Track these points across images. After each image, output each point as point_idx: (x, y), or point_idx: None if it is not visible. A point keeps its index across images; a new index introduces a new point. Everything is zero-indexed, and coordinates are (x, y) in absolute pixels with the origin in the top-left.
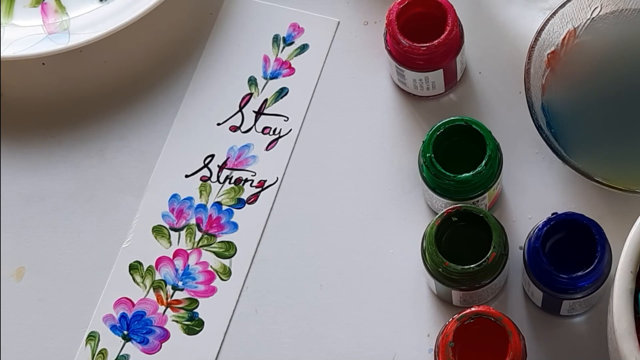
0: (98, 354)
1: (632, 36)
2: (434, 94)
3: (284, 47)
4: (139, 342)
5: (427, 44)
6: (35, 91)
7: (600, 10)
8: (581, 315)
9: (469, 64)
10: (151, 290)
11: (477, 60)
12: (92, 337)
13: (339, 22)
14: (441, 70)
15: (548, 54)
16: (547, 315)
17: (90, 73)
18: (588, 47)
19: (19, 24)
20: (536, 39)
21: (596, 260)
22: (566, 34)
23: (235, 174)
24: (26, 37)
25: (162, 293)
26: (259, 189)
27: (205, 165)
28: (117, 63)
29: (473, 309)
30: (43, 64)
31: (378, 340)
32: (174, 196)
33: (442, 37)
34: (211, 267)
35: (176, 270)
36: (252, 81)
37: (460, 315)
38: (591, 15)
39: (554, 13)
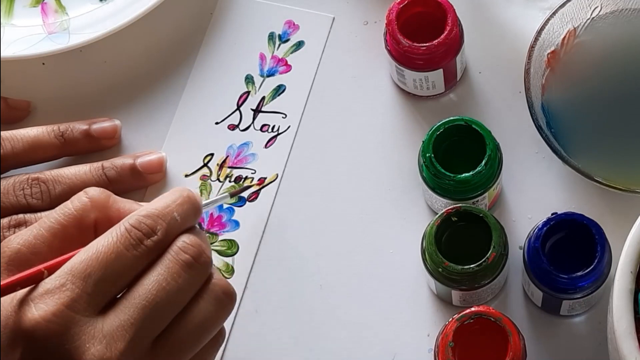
0: None
1: (632, 36)
2: (434, 93)
3: (279, 45)
4: None
5: (427, 44)
6: (35, 91)
7: (600, 10)
8: (581, 315)
9: (469, 63)
10: None
11: (477, 60)
12: None
13: (334, 18)
14: (441, 70)
15: (548, 54)
16: (547, 315)
17: (90, 73)
18: (588, 46)
19: (19, 24)
20: (536, 39)
21: (596, 260)
22: (566, 34)
23: (235, 172)
24: (26, 37)
25: None
26: (259, 187)
27: (205, 165)
28: (117, 63)
29: (473, 309)
30: (43, 63)
31: (378, 340)
32: None
33: (442, 37)
34: (214, 265)
35: None
36: (249, 79)
37: (460, 315)
38: (591, 15)
39: (554, 13)
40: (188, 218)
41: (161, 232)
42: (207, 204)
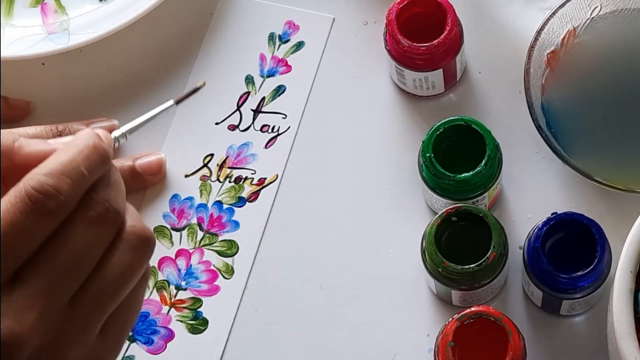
0: None
1: (631, 36)
2: (434, 93)
3: (279, 45)
4: (144, 343)
5: (427, 44)
6: (35, 91)
7: (600, 10)
8: (581, 315)
9: (469, 63)
10: (154, 290)
11: (477, 60)
12: None
13: (334, 19)
14: (441, 70)
15: (548, 54)
16: (547, 315)
17: (90, 73)
18: (588, 46)
19: (19, 24)
20: (536, 39)
21: (596, 260)
22: (566, 34)
23: (235, 173)
24: (26, 37)
25: (165, 293)
26: (259, 187)
27: (205, 165)
28: (117, 63)
29: (473, 308)
30: (43, 64)
31: (378, 340)
32: (175, 196)
33: (442, 37)
34: (214, 266)
35: (179, 270)
36: (249, 80)
37: (460, 315)
38: (591, 15)
39: (554, 13)
40: (96, 170)
41: (66, 192)
42: (141, 123)
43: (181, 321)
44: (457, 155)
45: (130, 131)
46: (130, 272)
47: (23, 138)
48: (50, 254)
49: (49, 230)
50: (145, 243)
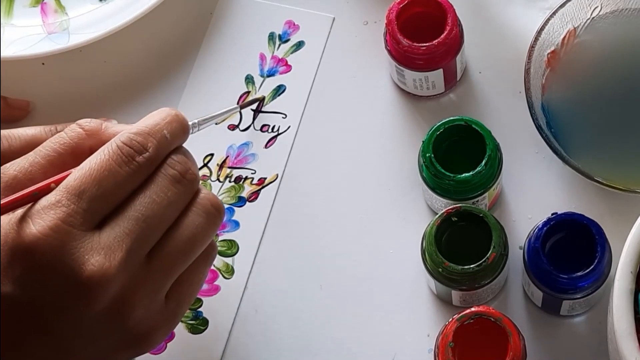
0: None
1: (632, 36)
2: (434, 93)
3: (279, 45)
4: None
5: (427, 44)
6: (34, 91)
7: (601, 9)
8: (581, 315)
9: (469, 63)
10: None
11: (477, 60)
12: None
13: (334, 18)
14: (441, 70)
15: (548, 54)
16: (547, 315)
17: (90, 73)
18: (588, 46)
19: (19, 24)
20: (536, 39)
21: (596, 260)
22: (566, 34)
23: (235, 173)
24: (26, 37)
25: None
26: (259, 187)
27: (205, 165)
28: (117, 63)
29: (473, 309)
30: (43, 64)
31: (378, 340)
32: None
33: (442, 37)
34: (214, 265)
35: None
36: (249, 79)
37: (460, 315)
38: (591, 14)
39: (554, 13)
40: (177, 136)
41: (152, 149)
42: (211, 118)
43: (181, 321)
44: (457, 155)
45: (203, 121)
46: (202, 234)
47: (106, 122)
48: (137, 204)
49: (137, 181)
50: (217, 209)
